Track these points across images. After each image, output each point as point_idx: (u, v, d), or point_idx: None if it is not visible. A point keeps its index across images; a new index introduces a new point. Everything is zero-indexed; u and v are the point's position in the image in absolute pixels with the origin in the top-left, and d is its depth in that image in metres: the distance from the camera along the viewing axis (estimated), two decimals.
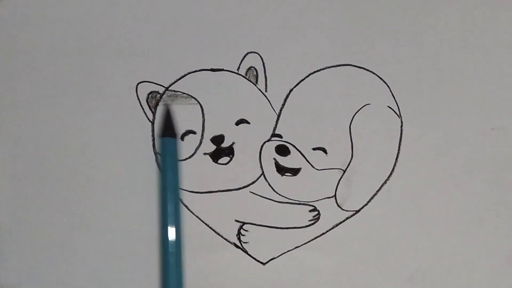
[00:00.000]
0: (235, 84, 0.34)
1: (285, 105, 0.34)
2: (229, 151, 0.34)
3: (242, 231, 0.34)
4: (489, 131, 0.34)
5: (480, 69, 0.34)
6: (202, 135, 0.34)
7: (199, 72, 0.34)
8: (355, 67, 0.34)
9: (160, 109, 0.34)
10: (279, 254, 0.34)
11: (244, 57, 0.34)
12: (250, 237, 0.34)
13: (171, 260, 0.31)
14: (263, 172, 0.34)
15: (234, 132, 0.34)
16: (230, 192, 0.34)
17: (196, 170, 0.34)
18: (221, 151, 0.34)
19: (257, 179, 0.34)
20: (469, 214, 0.34)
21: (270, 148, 0.34)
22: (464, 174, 0.34)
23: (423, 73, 0.34)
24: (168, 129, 0.33)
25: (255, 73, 0.34)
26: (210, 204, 0.34)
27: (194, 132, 0.34)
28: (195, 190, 0.34)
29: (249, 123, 0.34)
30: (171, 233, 0.31)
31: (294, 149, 0.34)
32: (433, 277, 0.33)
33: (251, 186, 0.34)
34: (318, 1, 0.34)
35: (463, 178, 0.34)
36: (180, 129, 0.34)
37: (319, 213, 0.34)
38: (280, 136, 0.34)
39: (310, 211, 0.34)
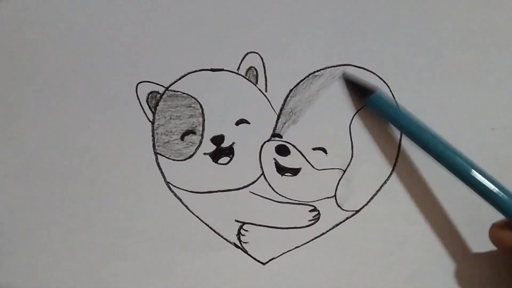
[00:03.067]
0: (235, 84, 0.34)
1: (285, 105, 0.34)
2: (229, 151, 0.34)
3: (242, 231, 0.34)
4: (489, 131, 0.34)
5: (480, 69, 0.34)
6: (202, 135, 0.34)
7: (199, 72, 0.34)
8: (355, 67, 0.34)
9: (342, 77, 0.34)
10: (279, 254, 0.34)
11: (244, 57, 0.34)
12: (250, 237, 0.34)
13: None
14: (263, 172, 0.34)
15: (234, 132, 0.34)
16: (230, 192, 0.34)
17: (196, 170, 0.34)
18: (221, 151, 0.34)
19: (257, 179, 0.34)
20: (469, 214, 0.34)
21: (270, 148, 0.34)
22: None
23: (423, 73, 0.34)
24: (365, 90, 0.32)
25: (255, 73, 0.34)
26: (210, 204, 0.34)
27: (194, 132, 0.34)
28: (195, 190, 0.34)
29: (249, 123, 0.34)
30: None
31: (294, 149, 0.34)
32: (433, 277, 0.33)
33: (251, 186, 0.34)
34: (318, 1, 0.34)
35: None
36: (180, 129, 0.34)
37: (319, 213, 0.34)
38: (280, 136, 0.34)
39: (310, 211, 0.34)
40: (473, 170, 0.30)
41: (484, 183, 0.30)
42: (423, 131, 0.31)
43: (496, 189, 0.29)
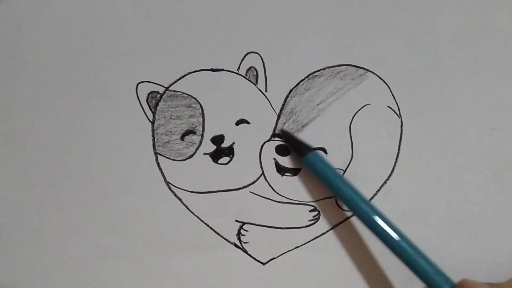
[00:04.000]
0: (235, 84, 0.34)
1: (285, 105, 0.34)
2: (229, 151, 0.34)
3: (242, 231, 0.34)
4: (489, 131, 0.34)
5: (480, 69, 0.34)
6: (202, 135, 0.34)
7: (199, 72, 0.34)
8: (355, 67, 0.34)
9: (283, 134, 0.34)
10: (279, 254, 0.34)
11: (244, 57, 0.34)
12: (250, 237, 0.34)
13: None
14: (263, 172, 0.34)
15: (234, 132, 0.34)
16: (230, 192, 0.34)
17: (196, 170, 0.34)
18: (221, 151, 0.34)
19: (257, 179, 0.34)
20: (469, 214, 0.34)
21: (270, 148, 0.34)
22: (464, 174, 0.34)
23: (423, 73, 0.34)
24: (303, 148, 0.33)
25: (255, 73, 0.34)
26: (210, 204, 0.34)
27: (194, 132, 0.34)
28: (195, 190, 0.34)
29: (249, 123, 0.34)
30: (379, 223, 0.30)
31: None
32: None
33: (251, 186, 0.34)
34: (318, 1, 0.34)
35: (463, 178, 0.34)
36: (180, 129, 0.34)
37: (319, 213, 0.34)
38: (280, 136, 0.34)
39: (310, 211, 0.34)
40: (400, 242, 0.30)
41: (410, 254, 0.30)
42: (350, 194, 0.31)
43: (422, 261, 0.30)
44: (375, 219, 0.30)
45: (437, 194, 0.34)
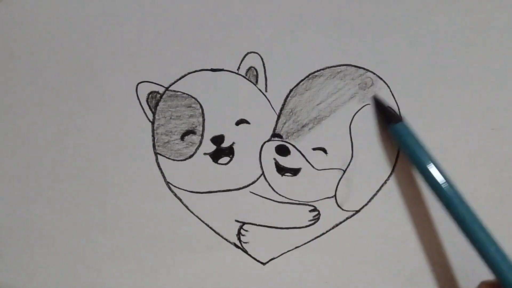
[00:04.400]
0: (235, 84, 0.34)
1: (285, 105, 0.34)
2: (229, 151, 0.34)
3: (242, 231, 0.34)
4: (489, 131, 0.34)
5: (480, 69, 0.34)
6: (202, 135, 0.34)
7: (199, 72, 0.34)
8: (355, 67, 0.34)
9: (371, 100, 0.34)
10: (279, 254, 0.34)
11: (244, 57, 0.34)
12: (250, 237, 0.34)
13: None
14: (263, 172, 0.34)
15: (234, 132, 0.34)
16: (230, 192, 0.34)
17: (196, 170, 0.34)
18: (221, 151, 0.34)
19: (257, 179, 0.34)
20: None
21: (270, 148, 0.34)
22: (464, 174, 0.34)
23: (423, 73, 0.34)
24: (392, 116, 0.33)
25: (255, 73, 0.34)
26: (210, 204, 0.34)
27: (194, 132, 0.34)
28: (195, 190, 0.34)
29: (249, 123, 0.34)
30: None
31: (294, 149, 0.34)
32: (432, 277, 0.33)
33: (251, 186, 0.34)
34: (318, 1, 0.34)
35: (463, 178, 0.34)
36: (180, 129, 0.34)
37: (319, 213, 0.34)
38: (280, 136, 0.34)
39: (310, 211, 0.34)
40: (474, 226, 0.30)
41: (482, 241, 0.29)
42: (434, 175, 0.31)
43: (492, 249, 0.29)
44: (455, 202, 0.30)
45: None
